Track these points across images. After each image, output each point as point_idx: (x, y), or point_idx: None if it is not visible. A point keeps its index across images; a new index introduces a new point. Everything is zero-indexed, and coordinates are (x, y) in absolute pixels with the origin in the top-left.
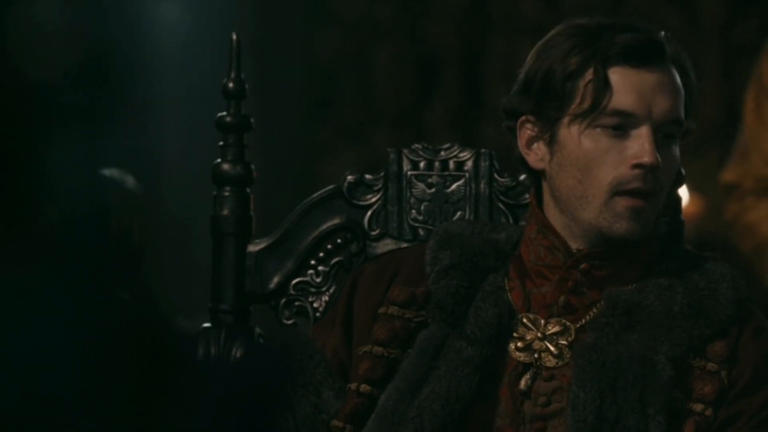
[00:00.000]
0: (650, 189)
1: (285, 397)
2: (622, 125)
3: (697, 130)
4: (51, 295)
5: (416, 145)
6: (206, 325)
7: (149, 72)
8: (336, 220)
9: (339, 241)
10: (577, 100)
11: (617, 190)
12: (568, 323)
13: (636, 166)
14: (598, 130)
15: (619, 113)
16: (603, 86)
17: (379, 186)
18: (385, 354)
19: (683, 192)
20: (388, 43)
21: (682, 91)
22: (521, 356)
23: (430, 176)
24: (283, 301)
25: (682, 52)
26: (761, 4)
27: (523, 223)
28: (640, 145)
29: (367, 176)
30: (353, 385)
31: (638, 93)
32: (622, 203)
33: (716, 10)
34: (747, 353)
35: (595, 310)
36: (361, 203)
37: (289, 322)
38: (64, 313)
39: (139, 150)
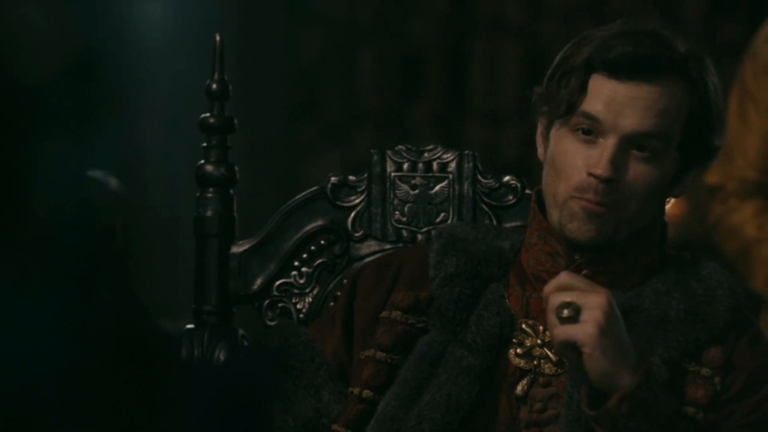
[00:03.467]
0: (601, 201)
1: (283, 398)
2: (591, 131)
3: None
4: (35, 295)
5: (400, 147)
6: (189, 326)
7: (133, 73)
8: (319, 222)
9: (322, 242)
10: (562, 101)
11: (573, 195)
12: None
13: (590, 174)
14: (571, 132)
15: (586, 116)
16: (580, 90)
17: (363, 187)
18: (388, 360)
19: None
20: (371, 44)
21: (670, 109)
22: (521, 362)
23: (414, 177)
24: (267, 302)
25: (707, 69)
26: (743, 5)
27: (515, 223)
28: (599, 154)
29: (351, 177)
30: (355, 390)
31: (608, 102)
32: (577, 203)
33: (698, 10)
34: (743, 361)
35: None
36: (345, 204)
37: (273, 323)
38: (49, 314)
39: (123, 151)
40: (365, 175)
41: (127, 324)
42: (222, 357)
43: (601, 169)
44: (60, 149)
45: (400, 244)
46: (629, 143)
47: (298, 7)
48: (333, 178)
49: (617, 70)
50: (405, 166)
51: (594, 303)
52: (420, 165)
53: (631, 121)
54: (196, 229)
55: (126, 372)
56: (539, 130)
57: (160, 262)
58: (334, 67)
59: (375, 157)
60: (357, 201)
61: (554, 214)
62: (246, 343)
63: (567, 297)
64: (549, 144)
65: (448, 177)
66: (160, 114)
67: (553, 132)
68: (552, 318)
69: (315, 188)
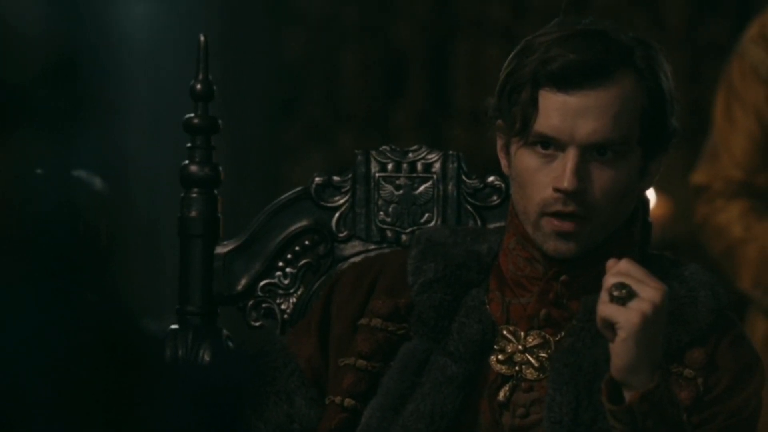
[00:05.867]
0: (573, 212)
1: (256, 404)
2: (549, 144)
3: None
4: (18, 295)
5: (384, 147)
6: (173, 326)
7: (117, 73)
8: (304, 222)
9: (307, 242)
10: (515, 120)
11: (543, 212)
12: (548, 336)
13: (556, 189)
14: (530, 149)
15: (542, 136)
16: (531, 109)
17: (347, 188)
18: (369, 367)
19: (651, 194)
20: (354, 44)
21: (625, 110)
22: (502, 369)
23: (398, 178)
24: (251, 302)
25: (654, 57)
26: (726, 5)
27: (500, 223)
28: (561, 167)
29: (335, 178)
30: (336, 399)
31: (561, 117)
32: (548, 224)
33: (681, 10)
34: (725, 362)
35: (574, 322)
36: (329, 205)
37: (257, 324)
38: (32, 314)
39: (107, 151)
40: (350, 176)
41: (110, 324)
42: (206, 357)
43: (567, 183)
44: (44, 149)
45: (385, 245)
46: (589, 151)
47: (281, 7)
48: (317, 179)
49: (564, 83)
50: (389, 166)
51: (648, 295)
52: (404, 165)
53: (587, 131)
54: (181, 229)
55: (109, 373)
56: (499, 144)
57: (143, 263)
58: (317, 68)
59: (359, 158)
60: (341, 201)
61: (529, 229)
62: (231, 344)
63: (625, 281)
64: (511, 158)
65: (432, 177)
66: (145, 114)
67: (513, 148)
68: (603, 295)
69: (299, 188)
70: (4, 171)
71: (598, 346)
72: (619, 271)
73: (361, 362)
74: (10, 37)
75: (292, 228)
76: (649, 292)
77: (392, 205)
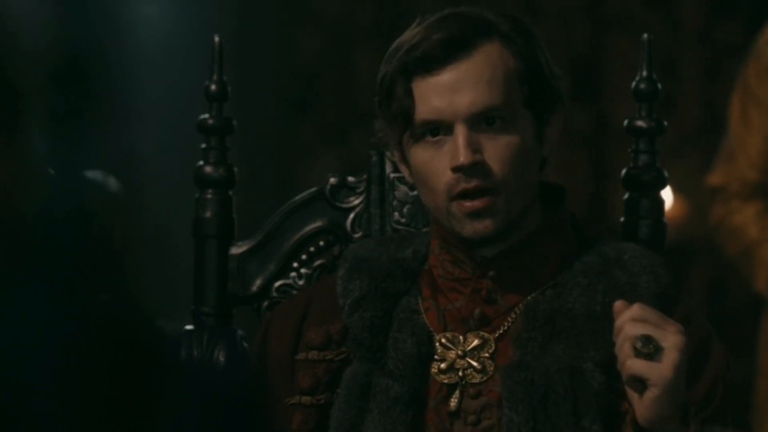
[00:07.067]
0: (478, 186)
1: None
2: (437, 131)
3: (679, 132)
4: (32, 297)
5: None
6: (188, 327)
7: (131, 74)
8: (318, 223)
9: (321, 243)
10: (396, 117)
11: (450, 196)
12: (486, 335)
13: (454, 169)
14: (421, 143)
15: (426, 123)
16: (408, 100)
17: (362, 188)
18: (314, 402)
19: (667, 195)
20: (368, 44)
21: (497, 74)
22: (445, 378)
23: None
24: (266, 303)
25: (520, 27)
26: (742, 6)
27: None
28: (454, 147)
29: (350, 179)
30: None
31: (438, 98)
32: (459, 208)
33: (696, 11)
34: None
35: (513, 315)
36: (344, 206)
37: None
38: (46, 315)
39: (122, 152)
40: (364, 176)
41: (124, 325)
42: (221, 358)
43: (462, 157)
44: (58, 150)
45: (327, 275)
46: (477, 123)
47: (296, 7)
48: (332, 179)
49: (431, 65)
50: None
51: (672, 343)
52: None
53: (466, 103)
54: (195, 230)
55: (124, 374)
56: (397, 157)
57: (158, 264)
58: (331, 68)
59: (374, 158)
60: (356, 202)
61: (444, 221)
62: (245, 345)
63: (645, 330)
64: (409, 162)
65: None
66: (159, 115)
67: (408, 151)
68: (626, 348)
69: (314, 189)
70: (17, 172)
71: (547, 356)
72: (633, 317)
73: (305, 399)
74: (21, 38)
75: (307, 229)
76: (671, 338)
77: (407, 206)
